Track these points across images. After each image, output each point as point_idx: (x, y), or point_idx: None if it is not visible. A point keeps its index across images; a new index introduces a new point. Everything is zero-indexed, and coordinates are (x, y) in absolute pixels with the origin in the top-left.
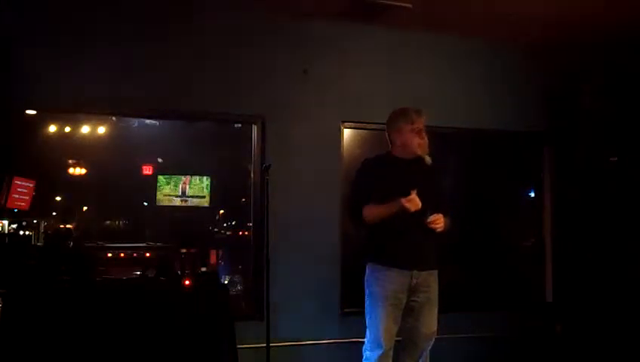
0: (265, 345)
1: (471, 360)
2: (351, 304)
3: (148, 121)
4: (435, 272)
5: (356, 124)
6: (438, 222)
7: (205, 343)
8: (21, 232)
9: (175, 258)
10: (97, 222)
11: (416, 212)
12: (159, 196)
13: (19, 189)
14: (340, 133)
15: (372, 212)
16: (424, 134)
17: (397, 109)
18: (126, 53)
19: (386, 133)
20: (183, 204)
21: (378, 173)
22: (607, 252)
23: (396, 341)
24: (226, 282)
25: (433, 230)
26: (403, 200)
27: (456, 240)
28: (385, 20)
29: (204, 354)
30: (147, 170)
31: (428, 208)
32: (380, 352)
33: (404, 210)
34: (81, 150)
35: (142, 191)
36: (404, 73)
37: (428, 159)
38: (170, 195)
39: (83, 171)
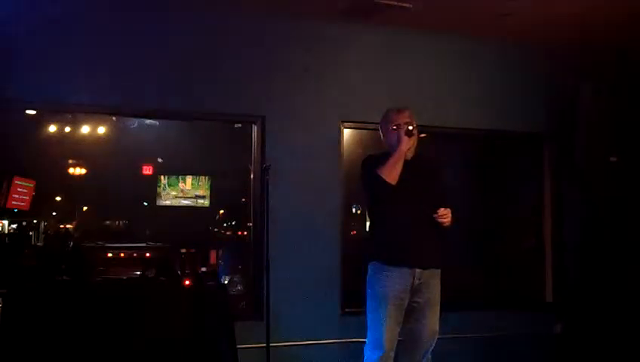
0: (265, 345)
1: (471, 360)
2: (351, 304)
3: (148, 121)
4: (438, 272)
5: (356, 124)
6: (446, 216)
7: (205, 343)
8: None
9: (175, 258)
10: (97, 222)
11: (417, 211)
12: (160, 196)
13: (19, 189)
14: (340, 133)
15: (385, 167)
16: (405, 131)
17: None
18: (126, 53)
19: None
20: (184, 204)
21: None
22: (607, 252)
23: (398, 341)
24: (226, 282)
25: (435, 227)
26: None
27: (456, 240)
28: (385, 20)
29: (204, 354)
30: (147, 170)
31: (431, 205)
32: (382, 353)
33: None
34: (81, 150)
35: (142, 191)
36: (404, 73)
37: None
38: (170, 195)
39: (83, 171)
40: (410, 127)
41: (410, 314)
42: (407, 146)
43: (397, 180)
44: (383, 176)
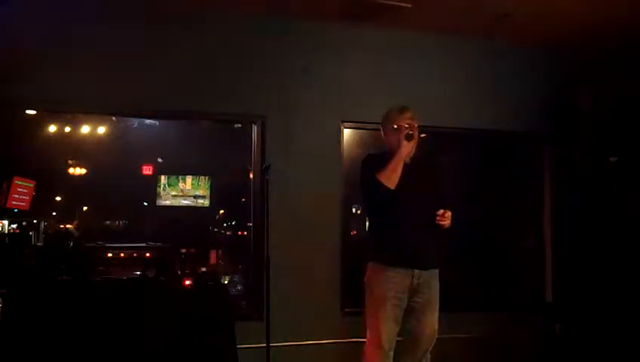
0: (265, 345)
1: (471, 360)
2: (351, 304)
3: (148, 121)
4: (437, 272)
5: (356, 124)
6: (446, 217)
7: (205, 343)
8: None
9: (175, 258)
10: (97, 222)
11: (416, 213)
12: (160, 196)
13: (19, 189)
14: (340, 133)
15: (384, 172)
16: (405, 135)
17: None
18: (126, 54)
19: None
20: (184, 204)
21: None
22: (607, 252)
23: (397, 341)
24: (226, 282)
25: (434, 228)
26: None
27: (456, 240)
28: (385, 20)
29: (204, 354)
30: (147, 170)
31: (430, 207)
32: (381, 353)
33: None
34: (81, 150)
35: (142, 191)
36: (404, 73)
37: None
38: (170, 195)
39: (83, 171)
40: (411, 131)
41: (410, 313)
42: (406, 150)
43: (396, 184)
44: (382, 181)
